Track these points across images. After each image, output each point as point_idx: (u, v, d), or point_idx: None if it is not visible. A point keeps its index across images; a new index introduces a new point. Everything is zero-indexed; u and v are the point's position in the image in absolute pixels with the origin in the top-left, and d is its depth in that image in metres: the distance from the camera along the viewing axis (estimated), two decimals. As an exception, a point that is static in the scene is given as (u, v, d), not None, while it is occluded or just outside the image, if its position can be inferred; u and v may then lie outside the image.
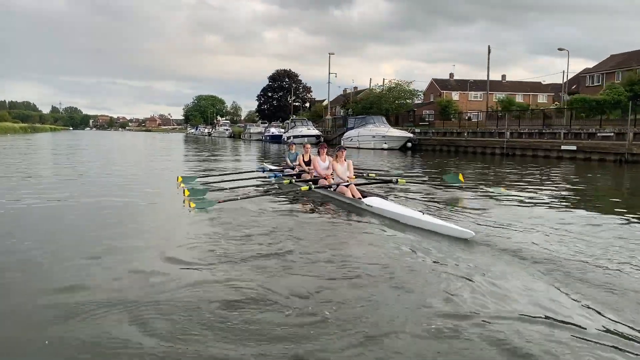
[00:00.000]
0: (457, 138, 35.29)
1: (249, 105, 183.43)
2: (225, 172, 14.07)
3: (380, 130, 38.36)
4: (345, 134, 42.02)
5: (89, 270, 4.86)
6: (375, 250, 5.84)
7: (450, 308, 3.99)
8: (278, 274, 4.81)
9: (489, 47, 50.58)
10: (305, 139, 49.18)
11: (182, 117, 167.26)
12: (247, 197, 9.00)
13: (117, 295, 4.14)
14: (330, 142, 51.53)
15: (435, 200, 9.79)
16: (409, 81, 63.60)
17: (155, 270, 4.89)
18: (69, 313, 3.79)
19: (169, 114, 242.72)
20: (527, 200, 10.02)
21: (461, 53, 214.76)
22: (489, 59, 50.98)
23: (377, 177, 11.26)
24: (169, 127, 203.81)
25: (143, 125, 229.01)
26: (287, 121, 55.15)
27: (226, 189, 9.98)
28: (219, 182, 11.21)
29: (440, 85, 68.64)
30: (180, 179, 11.45)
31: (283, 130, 59.86)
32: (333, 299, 4.12)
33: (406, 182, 10.77)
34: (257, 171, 13.98)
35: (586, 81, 52.32)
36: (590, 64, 73.38)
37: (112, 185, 12.21)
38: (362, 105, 63.00)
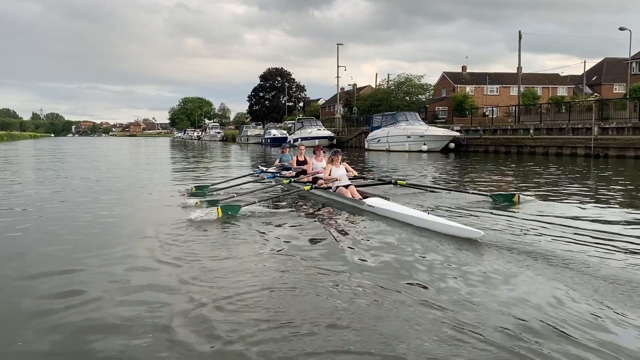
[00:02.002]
0: (520, 136, 27.97)
1: (233, 108, 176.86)
2: (228, 179, 13.00)
3: (416, 128, 30.82)
4: (369, 135, 34.35)
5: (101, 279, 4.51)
6: (380, 251, 5.48)
7: (461, 311, 3.66)
8: (285, 279, 4.50)
9: (519, 32, 43.48)
10: (317, 141, 41.57)
11: (168, 121, 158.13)
12: (263, 200, 8.56)
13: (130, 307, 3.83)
14: (344, 145, 44.07)
15: (439, 201, 8.97)
16: (419, 75, 56.19)
17: (172, 276, 4.58)
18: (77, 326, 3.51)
19: (154, 118, 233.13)
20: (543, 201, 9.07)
21: (441, 52, 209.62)
22: (520, 45, 43.94)
23: (376, 179, 10.86)
24: (154, 131, 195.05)
25: (127, 130, 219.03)
26: (294, 122, 47.18)
27: (240, 193, 9.46)
28: (227, 187, 10.86)
29: (452, 78, 61.50)
30: (194, 189, 10.42)
31: (285, 132, 52.17)
32: (339, 303, 3.87)
33: (406, 184, 10.14)
34: (254, 174, 13.36)
35: (633, 69, 45.45)
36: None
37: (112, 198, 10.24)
38: (371, 102, 55.47)
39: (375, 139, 33.25)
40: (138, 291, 4.19)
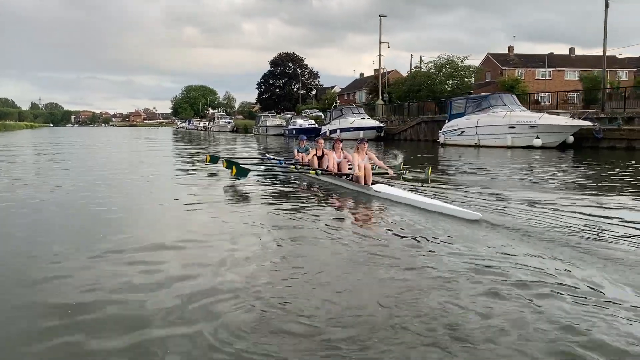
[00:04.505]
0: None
1: (235, 97, 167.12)
2: (237, 158, 13.05)
3: (522, 116, 21.83)
4: (447, 125, 25.31)
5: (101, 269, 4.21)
6: (385, 232, 5.63)
7: (460, 287, 3.72)
8: (287, 261, 4.44)
9: (606, 1, 34.54)
10: (361, 132, 32.75)
11: (170, 111, 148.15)
12: (270, 171, 10.50)
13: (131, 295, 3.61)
14: (394, 138, 35.14)
15: (443, 187, 9.25)
16: (463, 56, 46.95)
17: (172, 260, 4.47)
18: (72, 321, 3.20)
19: (154, 108, 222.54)
20: (537, 187, 9.65)
21: (440, 41, 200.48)
22: (605, 17, 34.97)
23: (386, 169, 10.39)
24: (155, 121, 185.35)
25: (127, 120, 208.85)
26: (331, 110, 37.89)
27: (254, 176, 10.27)
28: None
29: (499, 60, 52.43)
30: (208, 158, 12.36)
31: (313, 121, 43.21)
32: (342, 283, 3.84)
33: (411, 174, 10.45)
34: (263, 160, 13.70)
35: None
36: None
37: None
38: (408, 87, 46.37)
39: (456, 130, 24.26)
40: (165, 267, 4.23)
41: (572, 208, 7.08)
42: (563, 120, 21.02)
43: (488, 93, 26.65)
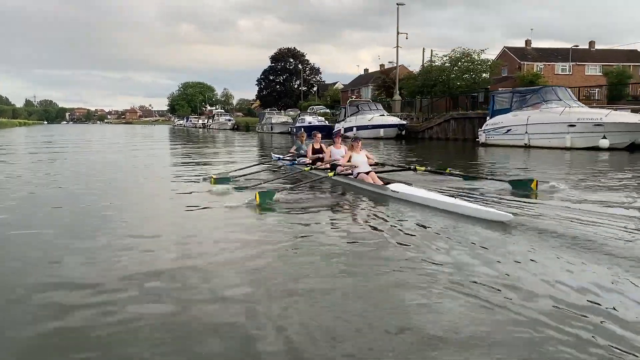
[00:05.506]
0: None
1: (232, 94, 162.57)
2: (247, 166, 11.59)
3: (583, 113, 18.56)
4: (489, 122, 21.88)
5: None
6: (408, 237, 5.16)
7: (498, 295, 3.44)
8: (311, 265, 4.21)
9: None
10: (381, 131, 29.46)
11: (167, 108, 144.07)
12: (292, 187, 8.36)
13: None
14: (418, 136, 31.74)
15: (458, 187, 8.50)
16: (480, 49, 43.53)
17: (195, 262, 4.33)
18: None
19: (150, 105, 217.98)
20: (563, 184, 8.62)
21: (438, 38, 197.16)
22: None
23: (395, 165, 10.45)
24: (151, 118, 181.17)
25: (123, 117, 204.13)
26: (346, 106, 34.48)
27: (264, 180, 9.39)
28: (247, 174, 10.10)
29: (516, 54, 49.07)
30: (213, 180, 9.30)
31: (322, 119, 39.82)
32: (368, 291, 3.60)
33: (425, 170, 9.44)
34: (270, 162, 12.65)
35: None
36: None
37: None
38: (422, 82, 43.02)
39: (500, 128, 20.85)
40: (195, 279, 3.91)
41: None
42: (636, 117, 17.71)
43: (540, 87, 23.18)
